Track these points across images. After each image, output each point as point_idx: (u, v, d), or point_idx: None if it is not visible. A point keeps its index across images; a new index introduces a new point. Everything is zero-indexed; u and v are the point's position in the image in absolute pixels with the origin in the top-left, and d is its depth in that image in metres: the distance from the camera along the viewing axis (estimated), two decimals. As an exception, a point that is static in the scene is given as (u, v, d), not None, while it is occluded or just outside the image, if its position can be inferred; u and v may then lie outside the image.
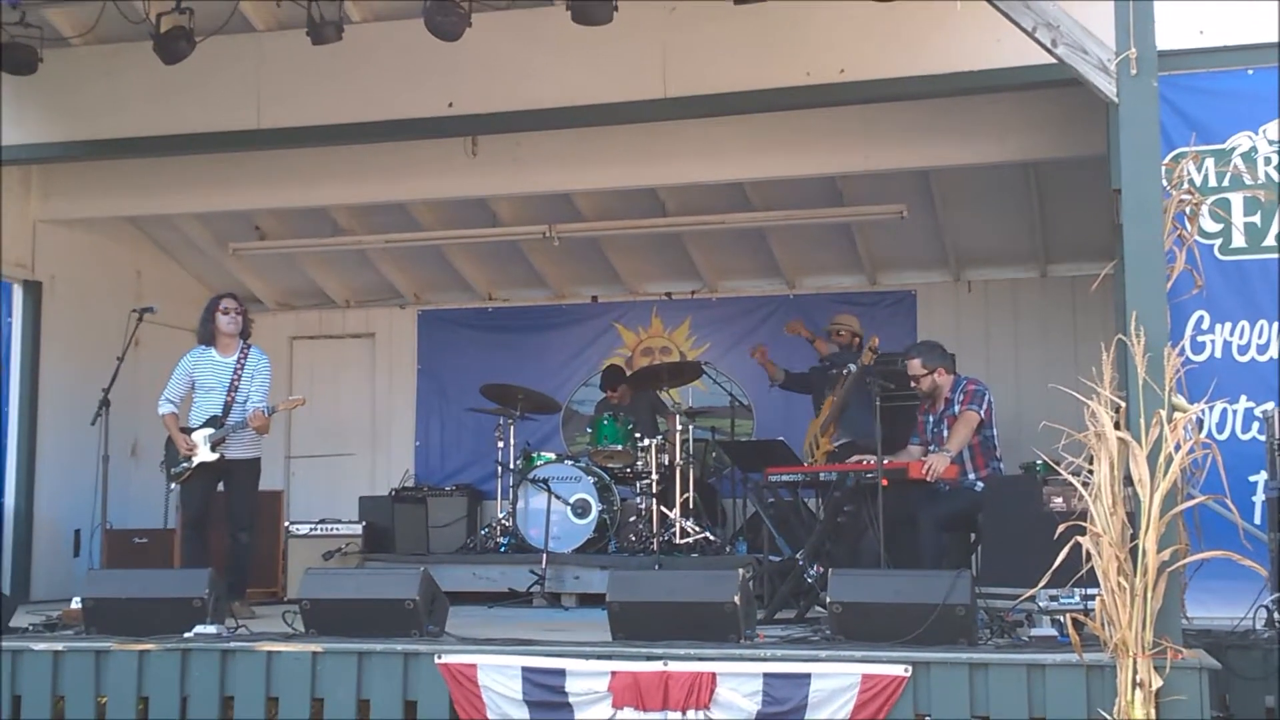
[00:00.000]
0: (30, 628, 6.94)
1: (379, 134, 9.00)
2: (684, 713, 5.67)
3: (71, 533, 10.45)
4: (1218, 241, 6.92)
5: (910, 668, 5.56)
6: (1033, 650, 5.66)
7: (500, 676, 5.89)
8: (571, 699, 5.81)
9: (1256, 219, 6.88)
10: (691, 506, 9.95)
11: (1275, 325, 6.83)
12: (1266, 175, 6.92)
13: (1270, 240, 6.89)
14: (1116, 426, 5.52)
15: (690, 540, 9.62)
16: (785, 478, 8.04)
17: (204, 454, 8.28)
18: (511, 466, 10.31)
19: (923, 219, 10.54)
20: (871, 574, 6.60)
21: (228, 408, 8.36)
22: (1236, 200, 6.93)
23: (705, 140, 9.43)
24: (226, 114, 8.91)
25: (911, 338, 10.56)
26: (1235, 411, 6.75)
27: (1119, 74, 5.89)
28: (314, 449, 12.47)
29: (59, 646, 6.42)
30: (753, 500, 8.97)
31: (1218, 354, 6.82)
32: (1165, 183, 6.26)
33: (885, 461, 7.29)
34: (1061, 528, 5.47)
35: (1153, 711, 5.24)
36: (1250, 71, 6.96)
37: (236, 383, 8.41)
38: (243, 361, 8.47)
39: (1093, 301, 8.20)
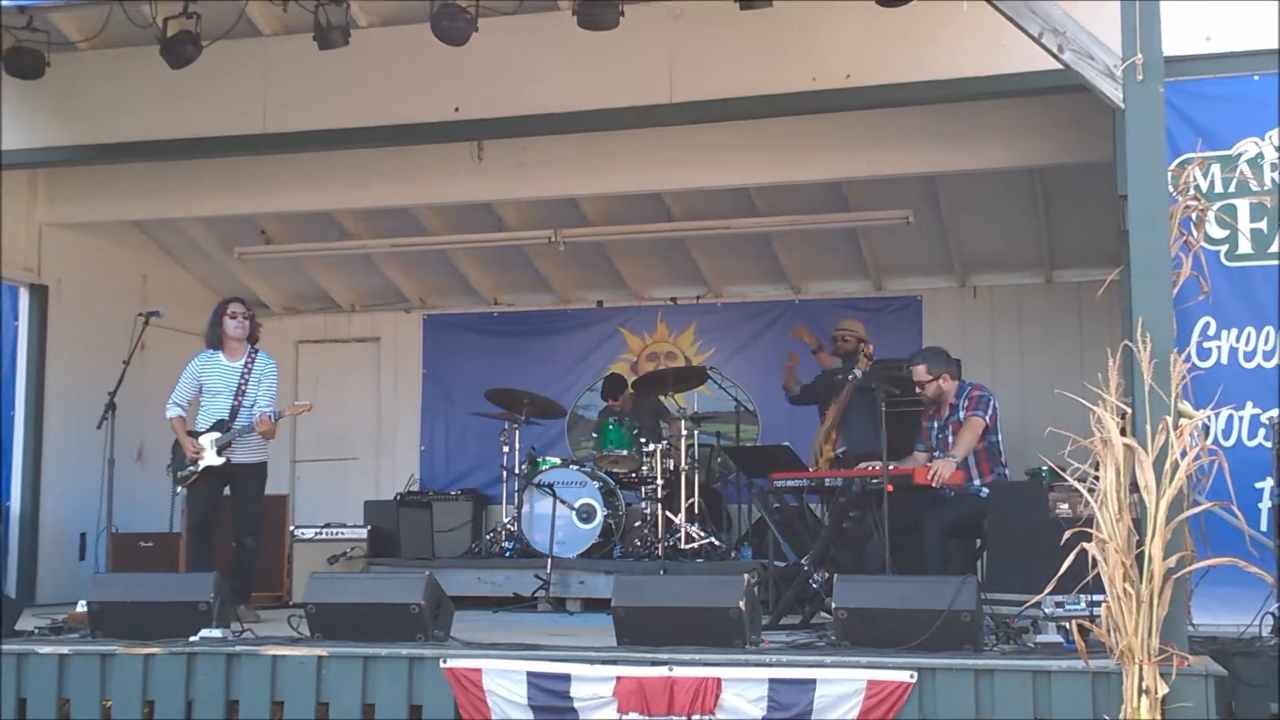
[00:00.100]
0: (36, 631, 6.95)
1: (385, 138, 9.00)
2: (689, 718, 5.66)
3: (77, 536, 10.45)
4: (1224, 248, 6.91)
5: (915, 674, 5.56)
6: (1038, 657, 5.66)
7: (505, 681, 5.89)
8: (576, 704, 5.81)
9: (1263, 225, 6.87)
10: (696, 512, 9.95)
11: (1281, 331, 6.83)
12: (1273, 181, 6.90)
13: (1276, 246, 6.87)
14: (1122, 433, 5.52)
15: (695, 545, 9.61)
16: (790, 483, 8.04)
17: (210, 458, 8.29)
18: (516, 471, 10.31)
19: (928, 224, 10.54)
20: (877, 580, 6.60)
21: (235, 412, 8.36)
22: (1243, 206, 6.92)
23: (711, 145, 9.43)
24: (233, 118, 8.92)
25: (917, 343, 10.54)
26: (1241, 418, 6.73)
27: (1125, 80, 5.89)
28: (319, 453, 12.48)
29: (64, 650, 6.43)
30: (758, 505, 8.97)
31: (1224, 360, 6.81)
32: (1171, 189, 6.26)
33: (890, 467, 7.28)
34: (1067, 534, 5.46)
35: (1159, 718, 5.23)
36: (1256, 77, 6.95)
37: (244, 387, 8.42)
38: (250, 366, 8.48)
39: (1098, 307, 8.19)
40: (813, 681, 5.61)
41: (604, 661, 5.89)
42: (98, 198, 10.60)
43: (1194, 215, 6.60)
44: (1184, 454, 5.42)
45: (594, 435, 10.46)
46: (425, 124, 8.72)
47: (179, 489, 8.53)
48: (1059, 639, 5.86)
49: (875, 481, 7.29)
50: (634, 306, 12.20)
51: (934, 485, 7.35)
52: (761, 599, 7.20)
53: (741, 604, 6.01)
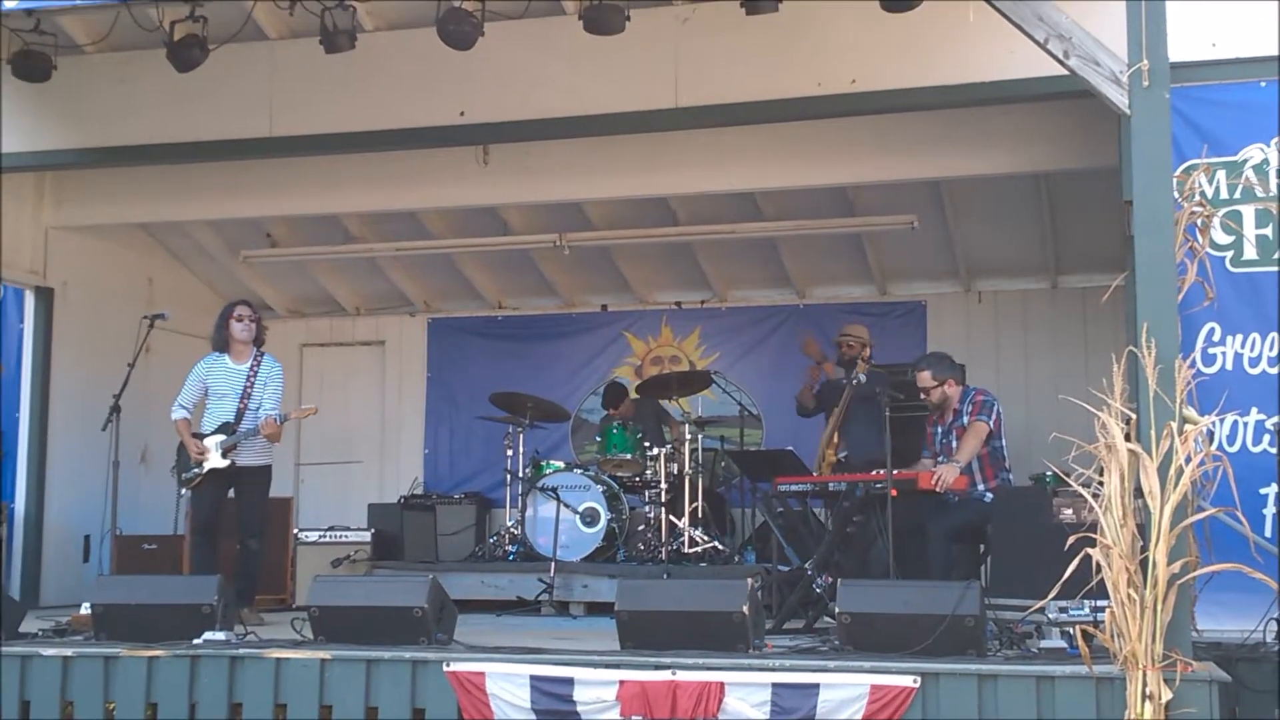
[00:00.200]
0: (40, 633, 6.95)
1: (391, 142, 9.00)
2: (692, 722, 5.67)
3: (81, 538, 10.47)
4: (1229, 254, 6.90)
5: (919, 678, 5.56)
6: (1042, 662, 5.65)
7: (508, 685, 5.89)
8: (580, 708, 5.81)
9: (1268, 231, 6.87)
10: (700, 516, 9.95)
11: (1287, 338, 6.82)
12: (1278, 187, 6.90)
13: (1281, 252, 6.88)
14: (1127, 438, 5.52)
15: (699, 549, 9.62)
16: (794, 487, 8.05)
17: (215, 460, 8.29)
18: (520, 475, 10.32)
19: (933, 229, 10.54)
20: (880, 584, 6.59)
21: (240, 415, 8.37)
22: (1248, 212, 6.91)
23: (716, 150, 9.44)
24: (239, 121, 8.92)
25: (921, 348, 10.55)
26: (1246, 424, 6.72)
27: (1131, 86, 5.90)
28: (323, 456, 12.49)
29: (68, 652, 6.43)
30: (761, 510, 8.98)
31: (1229, 366, 6.80)
32: (1177, 194, 6.26)
33: (894, 472, 7.28)
34: (1071, 539, 5.46)
35: (1162, 724, 5.23)
36: (1262, 84, 6.95)
37: (249, 390, 8.43)
38: (256, 369, 8.49)
39: (1103, 313, 8.18)
40: (816, 686, 5.61)
41: (607, 665, 5.89)
42: (104, 201, 10.62)
43: (1199, 221, 6.59)
44: (1188, 460, 5.42)
45: (598, 439, 10.47)
46: (431, 128, 8.73)
47: (183, 491, 8.53)
48: (1063, 644, 5.86)
49: (879, 486, 7.28)
50: (639, 310, 12.21)
51: (938, 490, 7.35)
52: (765, 603, 7.23)
53: (745, 608, 6.01)
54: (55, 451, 10.43)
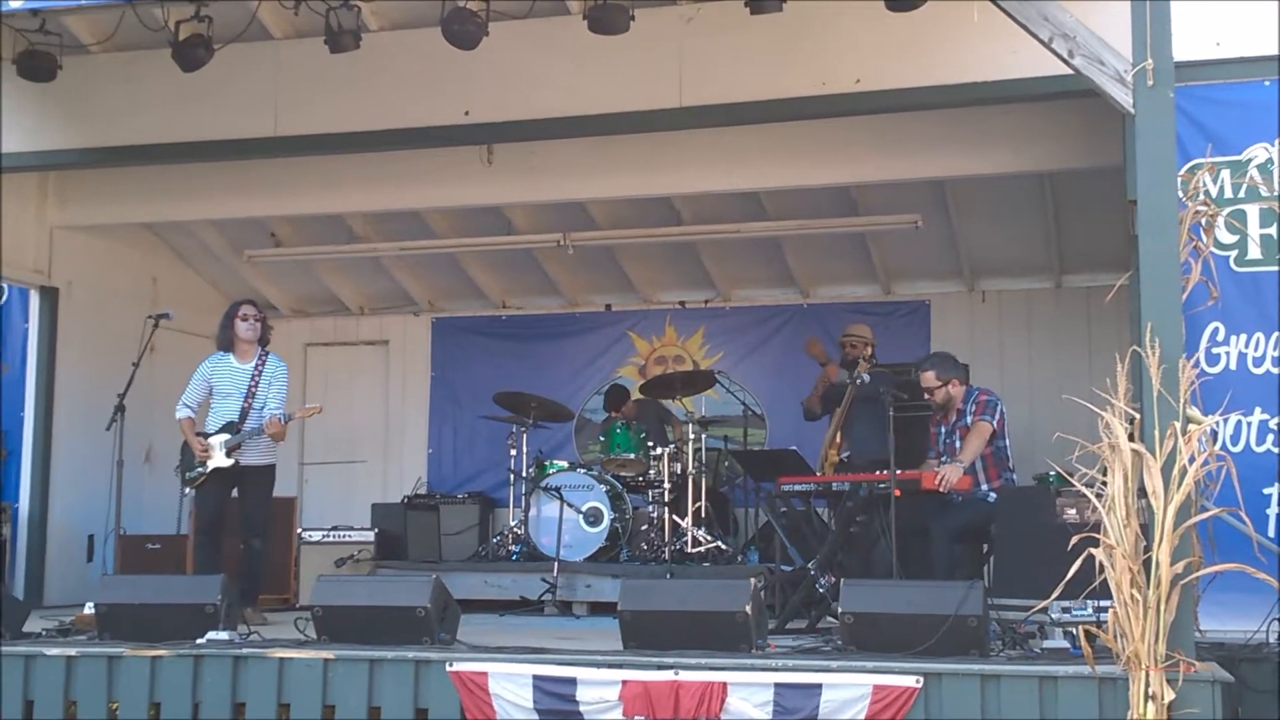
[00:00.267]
0: (43, 633, 6.95)
1: (395, 142, 9.01)
2: (695, 722, 5.67)
3: (85, 538, 10.48)
4: (1233, 253, 6.89)
5: (922, 679, 5.55)
6: (1045, 662, 5.64)
7: (511, 685, 5.89)
8: (582, 708, 5.81)
9: (1273, 231, 6.85)
10: (703, 515, 9.95)
11: (1290, 337, 6.81)
12: (1282, 187, 6.90)
13: (1285, 252, 6.87)
14: (1131, 438, 5.51)
15: (702, 549, 9.62)
16: (798, 487, 8.04)
17: (219, 459, 8.30)
18: (524, 474, 10.32)
19: (937, 229, 10.53)
20: (883, 584, 6.59)
21: (244, 414, 8.38)
22: (1252, 212, 6.89)
23: (720, 149, 9.44)
24: (244, 121, 8.93)
25: (925, 348, 10.55)
26: (1250, 424, 6.71)
27: (1135, 85, 5.90)
28: (327, 455, 12.50)
29: (72, 651, 6.44)
30: (765, 510, 8.98)
31: (1232, 366, 6.78)
32: (1181, 194, 6.24)
33: (898, 472, 7.27)
34: (1074, 539, 5.45)
35: (1165, 724, 5.22)
36: (1267, 83, 6.93)
37: (254, 389, 8.43)
38: (260, 368, 8.49)
39: (1107, 312, 8.17)
40: (819, 686, 5.60)
41: (610, 665, 5.89)
42: (108, 200, 10.63)
43: (1203, 221, 6.58)
44: (1192, 460, 5.42)
45: (601, 439, 10.47)
46: (435, 127, 8.74)
47: (187, 491, 8.54)
48: (1065, 644, 5.85)
49: (882, 486, 7.28)
50: (642, 310, 12.21)
51: (941, 490, 7.35)
52: (768, 603, 7.21)
53: (748, 608, 6.01)
54: (59, 451, 10.45)
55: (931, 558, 7.51)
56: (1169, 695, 5.22)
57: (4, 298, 10.52)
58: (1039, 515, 6.26)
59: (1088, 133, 8.05)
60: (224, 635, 6.47)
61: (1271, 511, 6.53)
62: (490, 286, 12.32)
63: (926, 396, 8.04)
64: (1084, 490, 5.57)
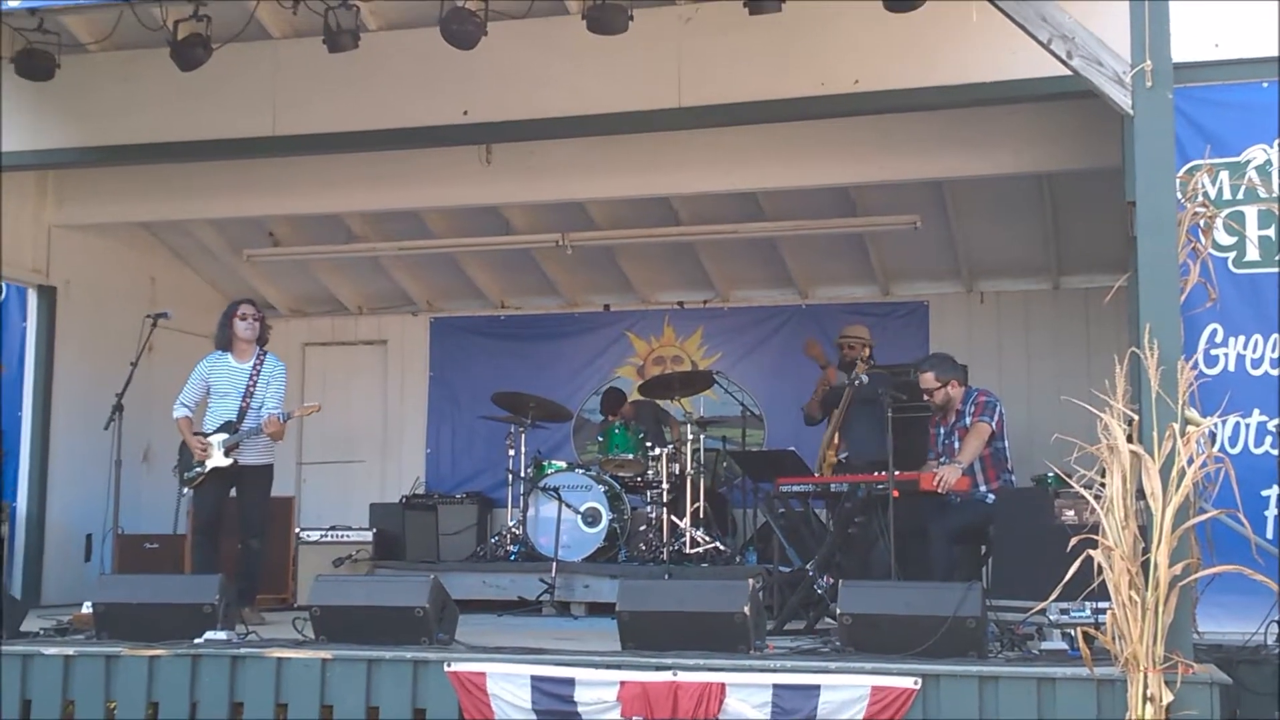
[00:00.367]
0: (41, 632, 6.95)
1: (393, 141, 9.01)
2: (693, 723, 5.66)
3: (83, 537, 10.47)
4: (1232, 255, 6.90)
5: (920, 680, 5.55)
6: (1043, 664, 5.64)
7: (509, 685, 5.89)
8: (580, 708, 5.80)
9: (1271, 232, 6.86)
10: (702, 516, 9.95)
11: (1289, 339, 6.81)
12: (1281, 188, 6.90)
13: (1284, 254, 6.87)
14: (1129, 439, 5.51)
15: (700, 550, 9.62)
16: (796, 488, 8.04)
17: (218, 459, 8.29)
18: (522, 474, 10.32)
19: (936, 230, 10.53)
20: (882, 586, 6.59)
21: (243, 413, 8.37)
22: (1251, 213, 6.90)
23: (719, 149, 9.43)
24: (242, 120, 8.93)
25: (924, 349, 10.55)
26: (1248, 425, 6.72)
27: (1134, 86, 5.90)
28: (325, 455, 12.50)
29: (69, 651, 6.43)
30: (763, 510, 8.98)
31: (1231, 367, 6.79)
32: (1179, 195, 6.25)
33: (896, 473, 7.27)
34: (1073, 541, 5.45)
35: (1163, 726, 5.23)
36: (1265, 84, 6.94)
37: (252, 389, 8.43)
38: (259, 368, 8.48)
39: (1106, 314, 8.18)
40: (817, 687, 5.60)
41: (608, 666, 5.89)
42: (107, 199, 10.62)
43: (1202, 222, 6.59)
44: (1190, 461, 5.42)
45: (600, 439, 10.47)
46: (434, 127, 8.74)
47: (185, 490, 8.53)
48: (1064, 646, 5.86)
49: (881, 487, 7.28)
50: (641, 310, 12.21)
51: (940, 491, 7.35)
52: (766, 604, 7.22)
53: (746, 609, 6.01)
54: (57, 450, 10.44)
55: (930, 559, 7.51)
56: (1167, 697, 5.22)
57: (2, 297, 10.50)
58: (1037, 516, 6.26)
59: (1086, 134, 8.05)
60: (222, 635, 6.47)
61: (1270, 513, 6.54)
62: (489, 286, 12.32)
63: (926, 398, 8.04)
64: (1082, 491, 5.57)
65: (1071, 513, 5.93)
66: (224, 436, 8.32)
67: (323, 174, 10.15)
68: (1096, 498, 5.49)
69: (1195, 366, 6.13)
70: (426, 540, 10.85)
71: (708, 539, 9.71)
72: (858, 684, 5.58)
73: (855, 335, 9.65)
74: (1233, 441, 6.68)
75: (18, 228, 10.09)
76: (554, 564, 9.33)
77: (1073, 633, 5.69)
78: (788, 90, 8.11)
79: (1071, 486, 5.67)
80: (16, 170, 9.37)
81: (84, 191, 10.63)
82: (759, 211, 10.60)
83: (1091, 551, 5.39)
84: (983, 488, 7.70)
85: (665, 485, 9.88)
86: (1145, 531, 5.41)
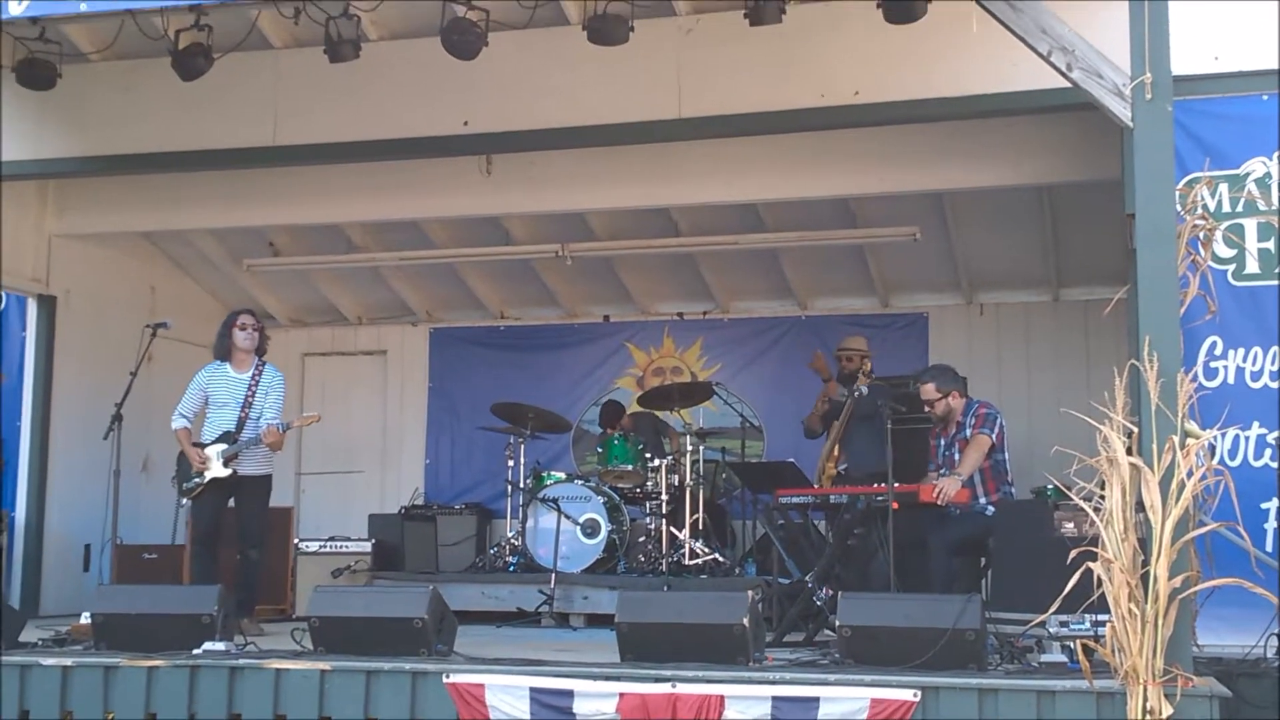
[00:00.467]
0: (39, 642, 6.95)
1: (394, 151, 9.02)
2: (692, 734, 5.66)
3: (82, 547, 10.46)
4: (1231, 267, 6.90)
5: (919, 692, 5.55)
6: (1042, 676, 5.64)
7: (508, 696, 5.89)
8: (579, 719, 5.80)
9: (1270, 245, 6.85)
10: (701, 527, 9.94)
11: (1289, 351, 6.81)
12: (1280, 201, 6.91)
13: (1283, 266, 6.87)
14: (1129, 452, 5.51)
15: (699, 561, 9.60)
16: (795, 499, 8.03)
17: (216, 469, 8.29)
18: (521, 485, 10.31)
19: (935, 241, 10.54)
20: (881, 597, 6.59)
21: (241, 424, 8.37)
22: (1250, 226, 6.90)
23: (719, 161, 9.44)
24: (243, 130, 8.94)
25: (923, 360, 10.55)
26: (1248, 438, 6.71)
27: (1134, 99, 5.91)
28: (324, 466, 12.48)
29: (68, 661, 6.43)
30: (763, 522, 8.96)
31: (1230, 380, 6.79)
32: (1179, 208, 6.26)
33: (895, 485, 7.27)
34: (1073, 553, 5.45)
35: (1163, 739, 5.22)
36: (1265, 97, 6.94)
37: (250, 399, 8.43)
38: (257, 378, 8.48)
39: (1105, 326, 8.18)
40: (816, 699, 5.60)
41: (607, 677, 5.89)
42: (107, 209, 10.63)
43: (1201, 234, 6.59)
44: (1190, 474, 5.42)
45: (599, 450, 10.46)
46: (434, 137, 8.74)
47: (184, 501, 8.53)
48: (1063, 659, 5.85)
49: (880, 499, 7.27)
50: (641, 321, 12.20)
51: (939, 503, 7.34)
52: (765, 616, 7.20)
53: (745, 621, 6.00)
54: (56, 460, 10.43)
55: (929, 571, 7.51)
56: (1167, 710, 5.22)
57: (2, 306, 10.50)
58: (1037, 529, 6.26)
59: (1086, 146, 8.06)
60: (220, 646, 6.47)
61: (1269, 526, 6.53)
62: (489, 297, 12.32)
63: (927, 409, 8.04)
64: (1082, 504, 5.57)
65: (1071, 525, 5.93)
66: (223, 447, 8.32)
67: (323, 184, 10.15)
68: (1096, 510, 5.49)
69: (1195, 379, 6.14)
70: (425, 551, 10.84)
71: (707, 550, 9.69)
72: (857, 696, 5.58)
73: (853, 347, 9.65)
74: (1232, 454, 6.67)
75: (18, 237, 10.09)
76: (553, 575, 9.32)
77: (1072, 645, 5.68)
78: (788, 101, 8.12)
79: (1071, 499, 5.67)
80: (17, 179, 9.37)
81: (84, 201, 10.63)
82: (759, 223, 10.60)
83: (1091, 564, 5.39)
84: (982, 500, 7.70)
85: (664, 496, 9.87)
86: (1145, 544, 5.41)
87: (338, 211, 10.64)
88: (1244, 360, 6.79)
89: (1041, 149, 8.78)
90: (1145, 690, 5.24)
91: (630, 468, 10.11)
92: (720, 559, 9.66)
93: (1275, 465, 6.52)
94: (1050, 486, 7.59)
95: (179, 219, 10.79)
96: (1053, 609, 5.54)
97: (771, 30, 7.39)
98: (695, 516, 9.89)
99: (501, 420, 10.53)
